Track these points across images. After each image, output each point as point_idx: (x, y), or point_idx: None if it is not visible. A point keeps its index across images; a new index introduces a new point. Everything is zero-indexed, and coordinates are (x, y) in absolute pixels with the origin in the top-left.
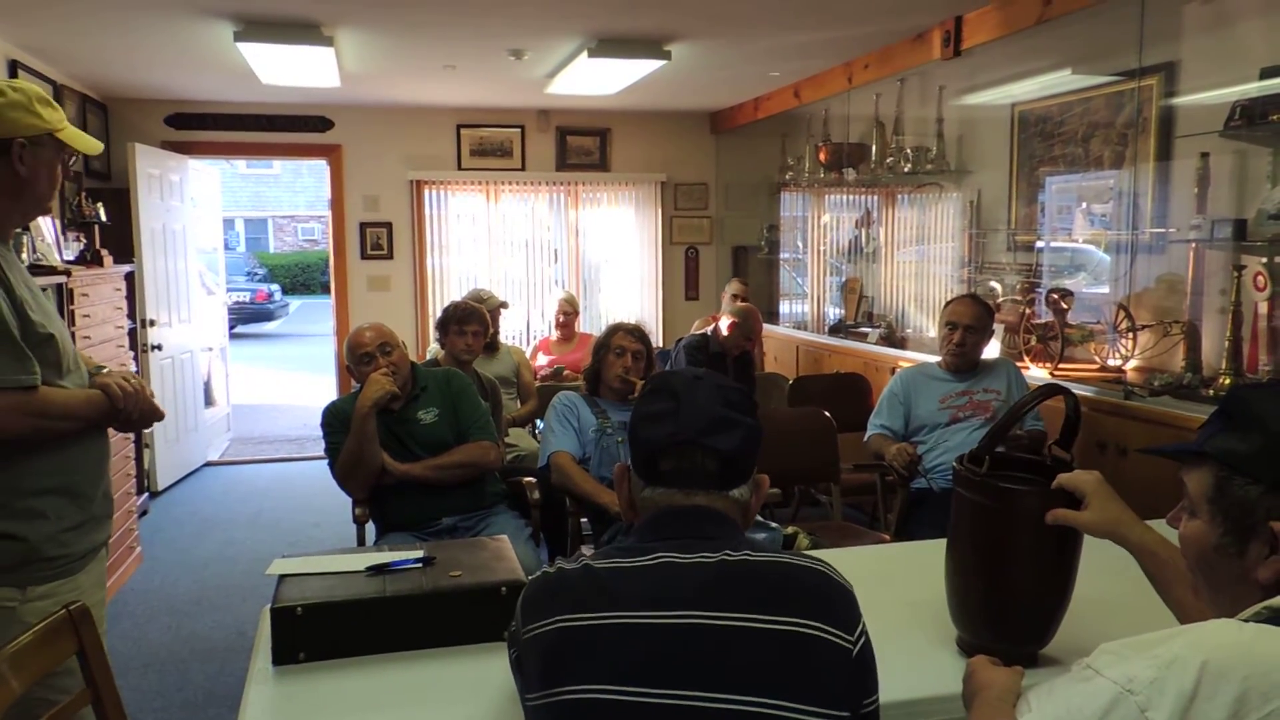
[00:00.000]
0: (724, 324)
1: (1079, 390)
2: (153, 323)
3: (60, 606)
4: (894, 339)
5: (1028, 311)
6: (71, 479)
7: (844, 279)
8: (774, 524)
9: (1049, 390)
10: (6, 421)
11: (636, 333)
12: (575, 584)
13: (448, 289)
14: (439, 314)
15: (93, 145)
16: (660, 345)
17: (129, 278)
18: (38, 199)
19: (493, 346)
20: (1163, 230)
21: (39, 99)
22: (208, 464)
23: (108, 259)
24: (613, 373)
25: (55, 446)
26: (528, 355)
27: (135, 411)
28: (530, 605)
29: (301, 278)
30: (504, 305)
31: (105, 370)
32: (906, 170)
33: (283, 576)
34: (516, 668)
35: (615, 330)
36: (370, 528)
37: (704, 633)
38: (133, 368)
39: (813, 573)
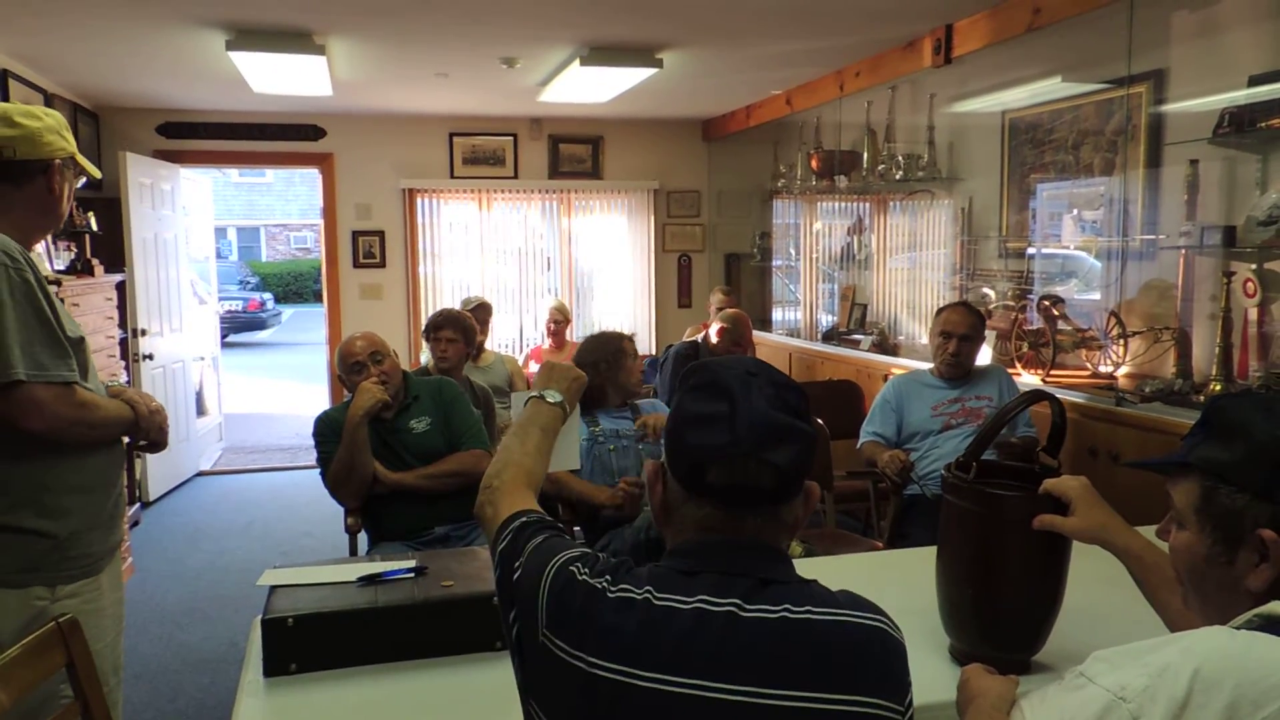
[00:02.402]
0: (713, 330)
1: (1070, 397)
2: (144, 332)
3: (87, 605)
4: (886, 346)
5: (1019, 318)
6: (94, 479)
7: (837, 285)
8: None
9: (1034, 396)
10: (57, 412)
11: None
12: (581, 603)
13: (440, 297)
14: None
15: (95, 171)
16: (652, 353)
17: (120, 287)
18: (58, 216)
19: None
20: (1153, 237)
21: (64, 125)
22: (200, 474)
23: (99, 268)
24: (635, 376)
25: (83, 447)
26: (520, 363)
27: (154, 431)
28: (536, 593)
29: (294, 286)
30: (487, 307)
31: (118, 385)
32: (898, 177)
33: (274, 587)
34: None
35: (620, 336)
36: (363, 537)
37: (755, 714)
38: (124, 378)
39: (874, 633)
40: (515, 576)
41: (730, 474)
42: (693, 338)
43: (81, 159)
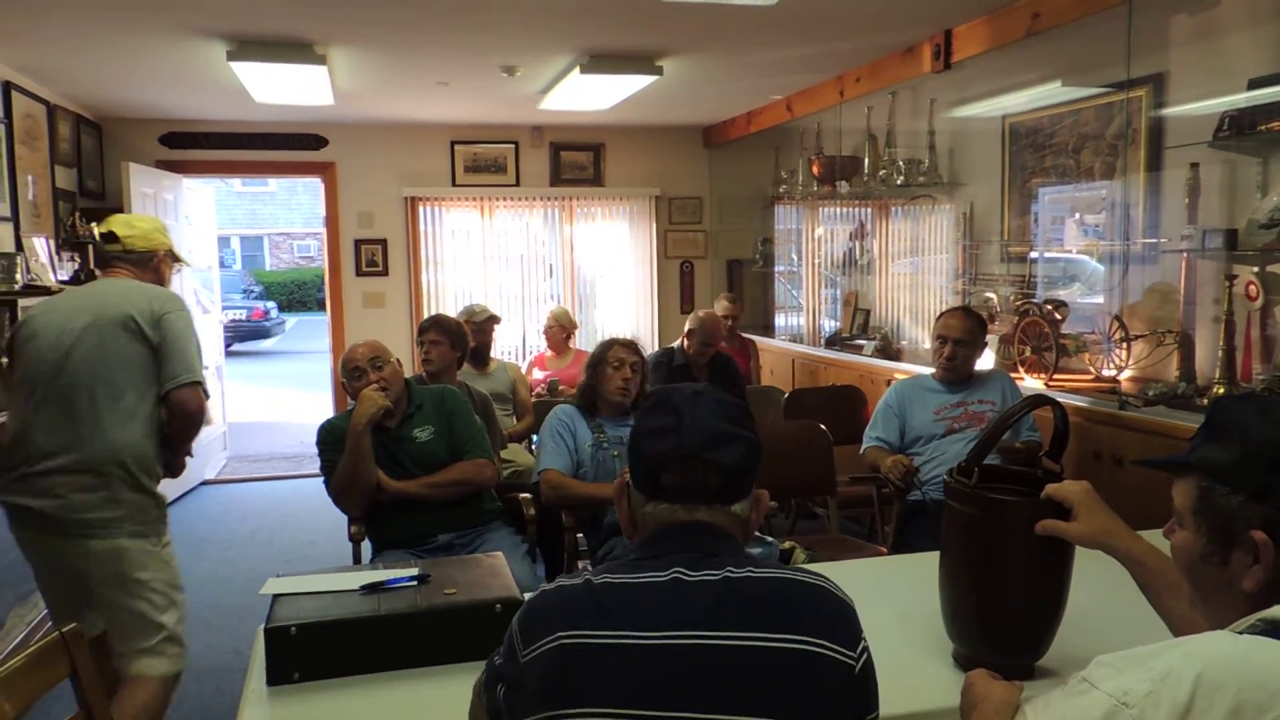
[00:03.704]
0: (685, 337)
1: (1074, 401)
2: None
3: (168, 549)
4: (889, 351)
5: (1022, 322)
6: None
7: (840, 291)
8: (770, 538)
9: (1036, 401)
10: (203, 404)
11: (631, 345)
12: (576, 601)
13: (443, 305)
14: None
15: (189, 261)
16: None
17: None
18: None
19: (483, 360)
20: (1154, 240)
21: (164, 228)
22: (204, 482)
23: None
24: (612, 386)
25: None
26: (523, 370)
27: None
28: (529, 626)
29: (298, 295)
30: (495, 319)
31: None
32: (899, 183)
33: (277, 596)
34: (497, 696)
35: (610, 345)
36: (366, 545)
37: (706, 653)
38: None
39: (814, 589)
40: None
41: (682, 475)
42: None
43: (177, 251)
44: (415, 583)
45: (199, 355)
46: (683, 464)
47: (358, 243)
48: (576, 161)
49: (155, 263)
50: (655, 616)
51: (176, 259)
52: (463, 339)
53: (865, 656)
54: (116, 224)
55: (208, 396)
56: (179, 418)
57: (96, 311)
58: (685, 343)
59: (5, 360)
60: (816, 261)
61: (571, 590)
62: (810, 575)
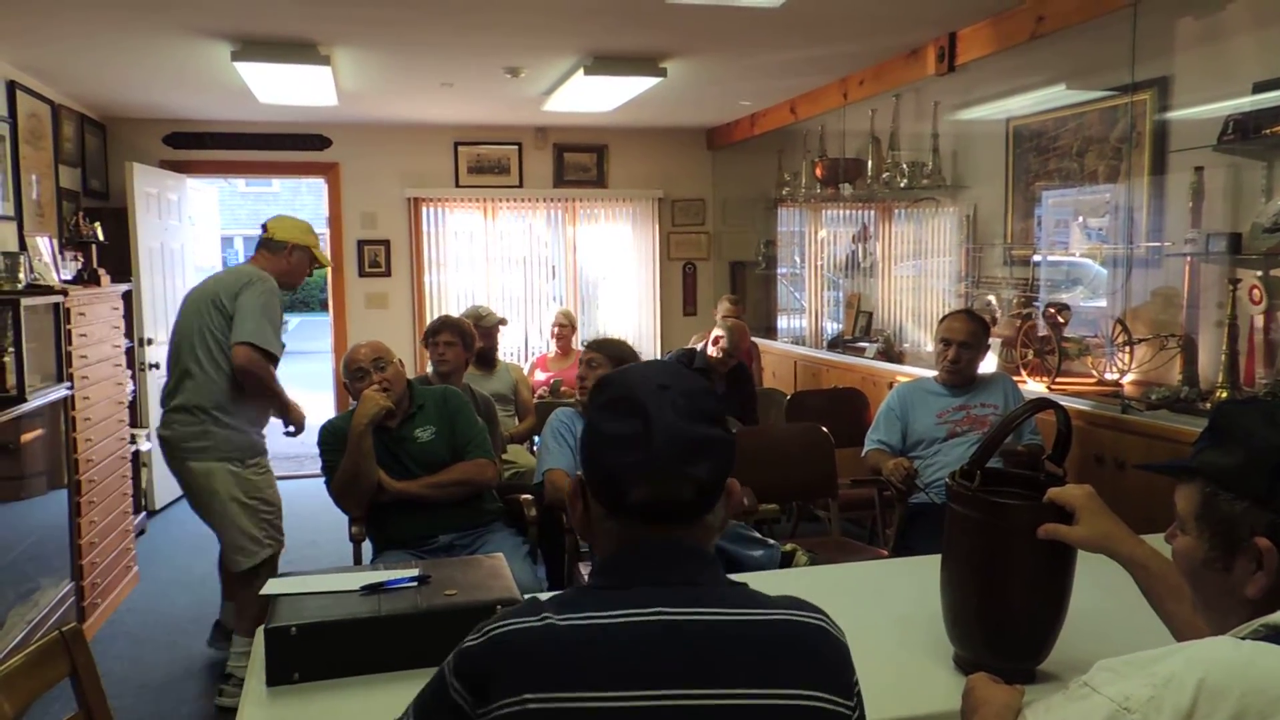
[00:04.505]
0: (711, 340)
1: (1076, 404)
2: (150, 341)
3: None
4: (892, 354)
5: (1025, 325)
6: (258, 414)
7: (842, 293)
8: (772, 540)
9: (1039, 404)
10: (258, 369)
11: (593, 345)
12: (539, 648)
13: (445, 306)
14: None
15: (323, 260)
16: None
17: (126, 297)
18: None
19: (490, 363)
20: (1158, 244)
21: (310, 229)
22: None
23: (105, 278)
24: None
25: (258, 398)
26: (525, 372)
27: (299, 422)
28: (487, 676)
29: (300, 295)
30: (502, 322)
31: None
32: (902, 185)
33: (277, 596)
34: None
35: (588, 350)
36: (367, 545)
37: (692, 714)
38: (130, 386)
39: (811, 629)
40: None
41: (650, 492)
42: (693, 346)
43: (316, 252)
44: (415, 583)
45: (265, 324)
46: (652, 480)
47: (361, 243)
48: (580, 163)
49: (286, 253)
50: (633, 667)
51: (314, 260)
52: (472, 341)
53: (859, 702)
54: (274, 219)
55: (269, 360)
56: (238, 373)
57: (202, 289)
58: (711, 348)
59: None
60: (819, 264)
61: (532, 633)
62: (805, 613)
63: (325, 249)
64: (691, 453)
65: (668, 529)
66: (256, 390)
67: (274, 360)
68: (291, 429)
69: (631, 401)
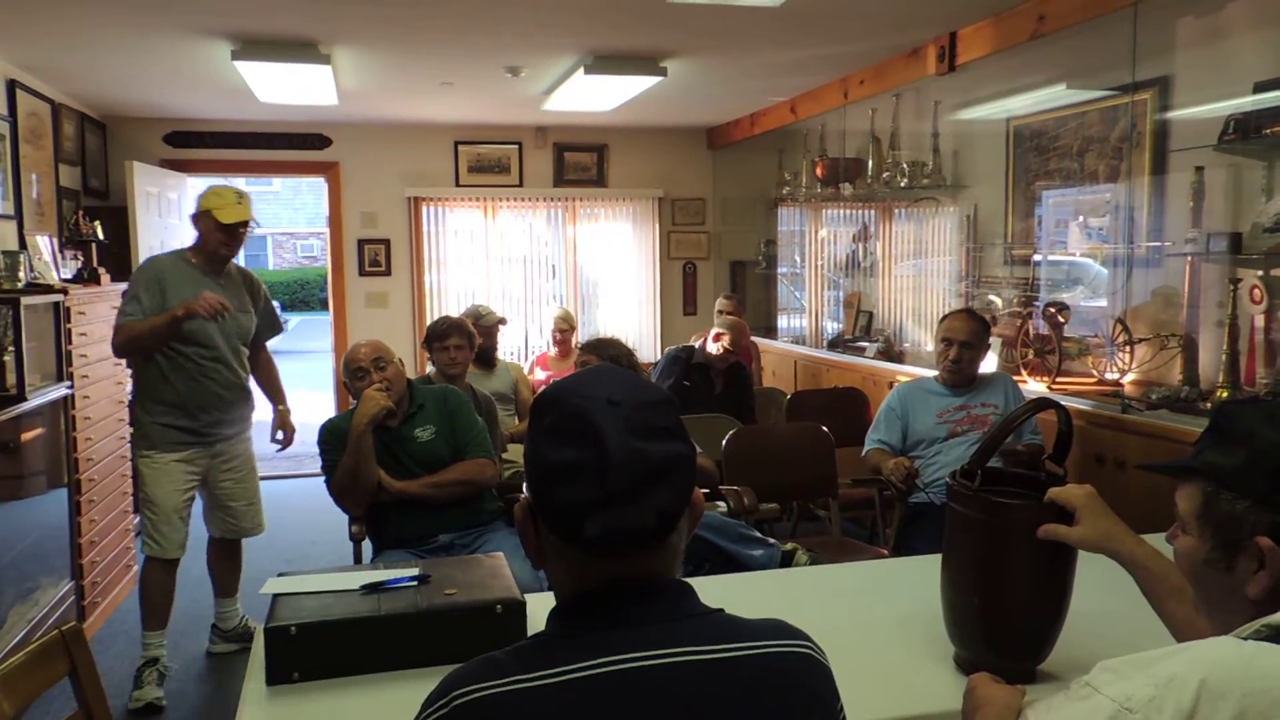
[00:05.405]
0: (711, 338)
1: (1076, 404)
2: None
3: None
4: (892, 353)
5: (1026, 325)
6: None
7: (843, 293)
8: (772, 540)
9: (1040, 404)
10: (127, 333)
11: (588, 345)
12: (515, 717)
13: (446, 305)
14: None
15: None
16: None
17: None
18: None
19: (490, 362)
20: (1158, 244)
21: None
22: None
23: (105, 277)
24: None
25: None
26: (525, 370)
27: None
28: None
29: (300, 294)
30: (502, 321)
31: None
32: (903, 185)
33: (277, 595)
34: None
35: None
36: (367, 545)
37: None
38: (129, 386)
39: (794, 660)
40: None
41: (607, 523)
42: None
43: (216, 214)
44: (415, 583)
45: (124, 305)
46: (608, 513)
47: (361, 242)
48: (580, 162)
49: (196, 223)
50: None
51: (218, 223)
52: (474, 339)
53: None
54: None
55: (128, 328)
56: (120, 356)
57: None
58: (711, 345)
59: None
60: (819, 263)
61: (503, 701)
62: (787, 640)
63: (323, 246)
64: (651, 477)
65: (629, 560)
66: (142, 353)
67: (129, 319)
68: (281, 435)
69: (580, 423)
